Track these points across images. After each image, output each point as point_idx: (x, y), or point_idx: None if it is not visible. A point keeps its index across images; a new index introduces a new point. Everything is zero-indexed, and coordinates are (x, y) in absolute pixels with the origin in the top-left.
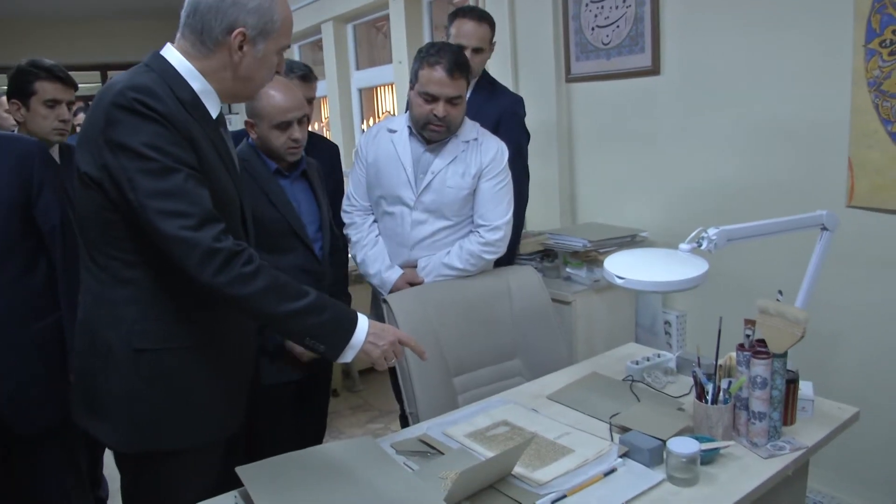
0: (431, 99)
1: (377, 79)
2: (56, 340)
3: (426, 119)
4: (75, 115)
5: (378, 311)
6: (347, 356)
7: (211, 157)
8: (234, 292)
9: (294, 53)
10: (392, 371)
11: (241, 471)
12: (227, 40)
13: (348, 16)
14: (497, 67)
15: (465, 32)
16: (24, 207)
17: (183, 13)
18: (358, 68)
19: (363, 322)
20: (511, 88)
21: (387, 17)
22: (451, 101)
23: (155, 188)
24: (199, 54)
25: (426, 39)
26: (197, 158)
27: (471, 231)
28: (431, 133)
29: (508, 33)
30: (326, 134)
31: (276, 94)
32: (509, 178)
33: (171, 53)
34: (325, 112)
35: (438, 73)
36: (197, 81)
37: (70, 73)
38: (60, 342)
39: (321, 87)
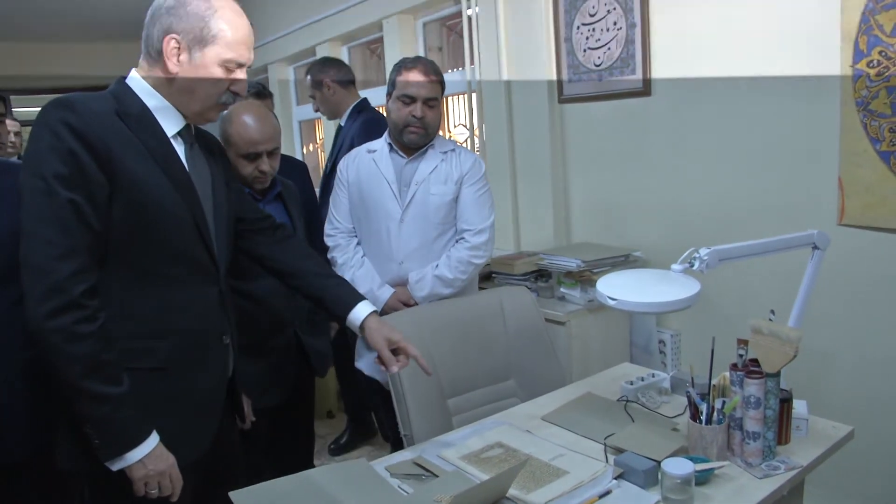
0: (410, 100)
1: (371, 100)
2: (43, 371)
3: (405, 121)
4: None
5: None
6: (114, 465)
7: (143, 172)
8: (52, 341)
9: (289, 75)
10: (379, 400)
11: (235, 496)
12: (162, 47)
13: (343, 38)
14: (490, 89)
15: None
16: None
17: None
18: None
19: (150, 443)
20: (503, 110)
21: (381, 40)
22: (427, 102)
23: (36, 212)
24: (150, 67)
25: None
26: (112, 172)
27: (457, 239)
28: (410, 136)
29: (504, 56)
30: (321, 155)
31: (250, 124)
32: (488, 186)
33: (131, 74)
34: (319, 133)
35: (415, 74)
36: (153, 98)
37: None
38: (46, 373)
39: None
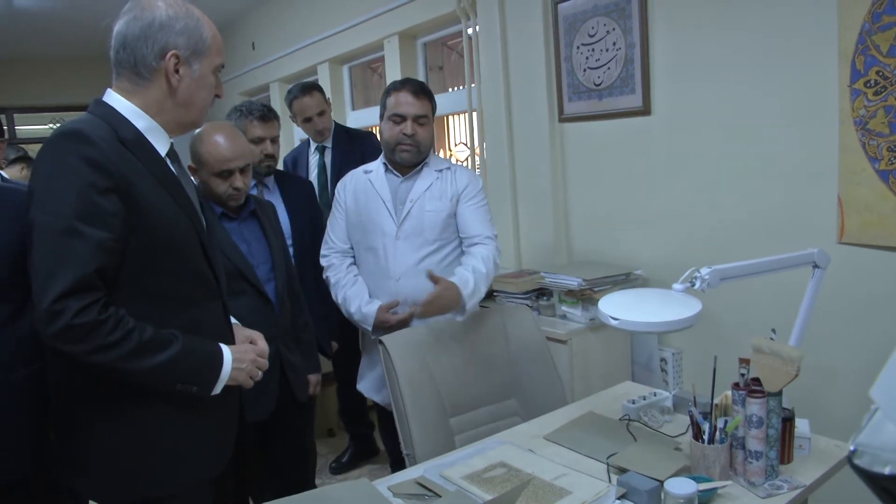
0: (400, 119)
1: (372, 119)
2: (37, 390)
3: (397, 140)
4: None
5: (368, 350)
6: (218, 389)
7: (155, 197)
8: (96, 360)
9: None
10: (382, 417)
11: None
12: (162, 65)
13: (344, 57)
14: (491, 108)
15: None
16: (19, 255)
17: (111, 52)
18: (353, 108)
19: (227, 353)
20: (504, 129)
21: (382, 59)
22: (417, 119)
23: (53, 252)
24: (138, 88)
25: (420, 80)
26: (131, 202)
27: (469, 245)
28: (403, 154)
29: (502, 75)
30: None
31: (220, 142)
32: (487, 201)
33: (112, 97)
34: None
35: (404, 94)
36: (141, 120)
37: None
38: (40, 392)
39: None
